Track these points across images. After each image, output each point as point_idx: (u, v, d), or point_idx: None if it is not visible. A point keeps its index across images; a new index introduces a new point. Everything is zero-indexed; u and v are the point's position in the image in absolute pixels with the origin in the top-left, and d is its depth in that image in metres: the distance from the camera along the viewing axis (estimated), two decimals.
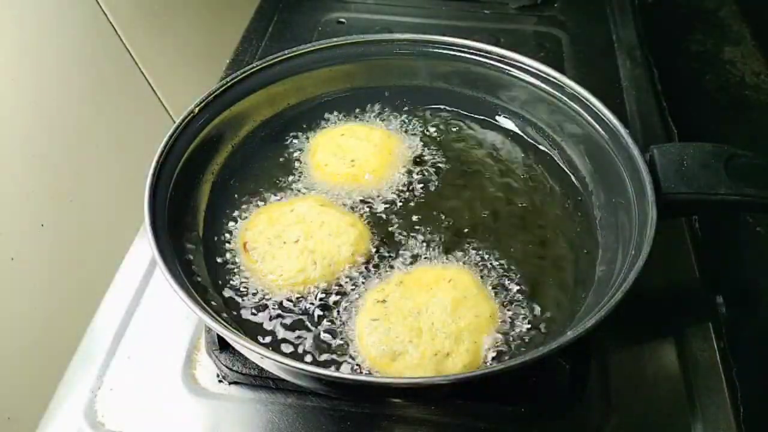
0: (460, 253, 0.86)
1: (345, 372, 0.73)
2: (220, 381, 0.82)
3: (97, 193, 1.31)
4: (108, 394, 0.81)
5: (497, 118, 1.04)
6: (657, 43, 1.37)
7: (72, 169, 1.25)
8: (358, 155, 0.96)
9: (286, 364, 0.65)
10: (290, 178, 0.96)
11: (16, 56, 1.14)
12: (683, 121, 1.18)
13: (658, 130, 1.15)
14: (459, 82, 1.04)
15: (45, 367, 0.91)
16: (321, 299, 0.81)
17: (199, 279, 0.80)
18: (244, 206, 0.92)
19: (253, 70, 0.96)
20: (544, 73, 0.95)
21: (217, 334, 0.81)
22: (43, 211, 1.18)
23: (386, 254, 0.86)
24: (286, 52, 0.99)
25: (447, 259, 0.85)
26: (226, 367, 0.81)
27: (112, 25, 1.34)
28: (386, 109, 1.06)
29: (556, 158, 0.98)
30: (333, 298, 0.81)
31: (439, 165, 0.98)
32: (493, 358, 0.75)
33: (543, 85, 0.96)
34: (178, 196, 0.84)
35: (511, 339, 0.77)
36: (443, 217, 0.91)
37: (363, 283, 0.82)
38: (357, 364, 0.75)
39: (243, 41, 1.36)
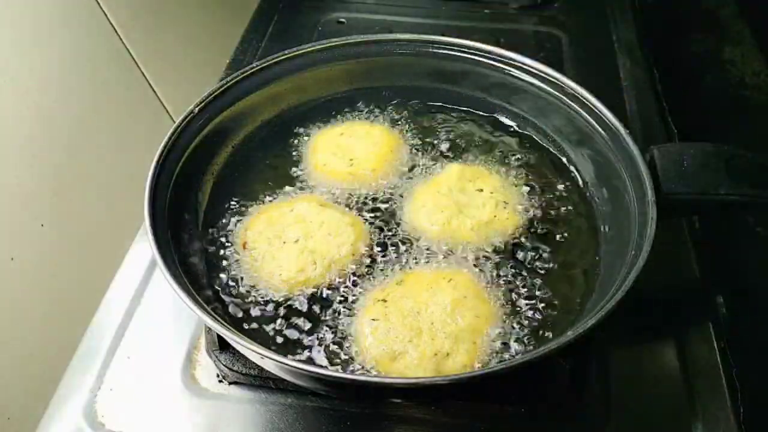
0: (460, 253, 0.86)
1: (345, 372, 0.73)
2: (220, 381, 0.82)
3: (97, 193, 1.31)
4: (108, 394, 0.81)
5: (497, 117, 1.04)
6: (657, 43, 1.37)
7: (72, 169, 1.25)
8: (358, 154, 0.96)
9: (286, 364, 0.65)
10: (290, 177, 0.96)
11: (16, 56, 1.14)
12: (683, 121, 1.18)
13: (658, 130, 1.15)
14: (459, 81, 1.04)
15: (45, 367, 0.91)
16: (321, 299, 0.81)
17: (200, 279, 0.80)
18: (244, 206, 0.92)
19: (253, 70, 0.96)
20: (544, 73, 0.95)
21: (217, 334, 0.81)
22: (43, 211, 1.18)
23: (386, 254, 0.86)
24: (286, 52, 0.99)
25: (447, 258, 0.85)
26: (226, 367, 0.81)
27: (112, 25, 1.34)
28: (386, 109, 1.06)
29: (555, 158, 0.98)
30: (333, 297, 0.81)
31: (438, 164, 0.98)
32: (493, 358, 0.75)
33: (543, 85, 0.96)
34: (178, 196, 0.84)
35: (510, 339, 0.77)
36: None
37: (363, 282, 0.82)
38: (357, 364, 0.75)
39: (243, 41, 1.36)
